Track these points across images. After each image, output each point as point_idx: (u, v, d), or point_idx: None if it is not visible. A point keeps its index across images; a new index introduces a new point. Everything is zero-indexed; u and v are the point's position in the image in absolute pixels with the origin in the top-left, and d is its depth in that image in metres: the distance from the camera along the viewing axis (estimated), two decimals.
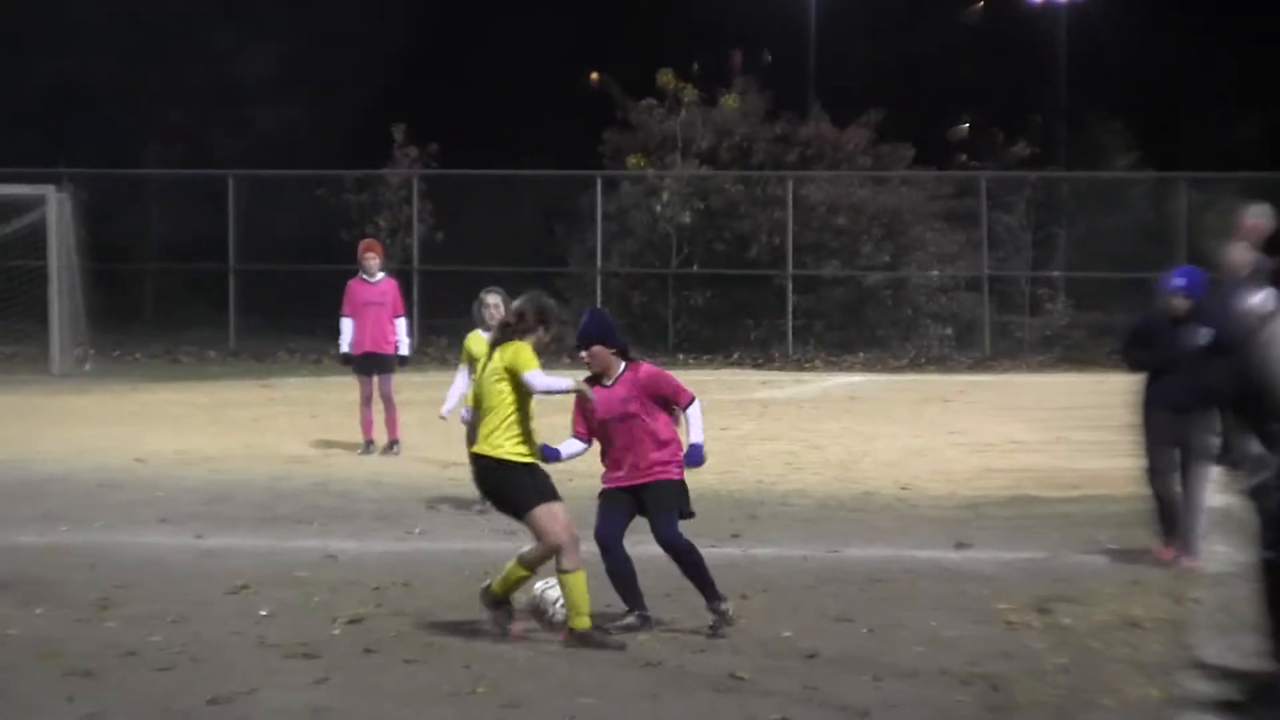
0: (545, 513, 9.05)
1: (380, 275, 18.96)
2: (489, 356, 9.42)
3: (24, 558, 11.51)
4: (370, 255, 19.08)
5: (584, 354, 9.48)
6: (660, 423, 9.39)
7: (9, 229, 30.47)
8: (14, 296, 30.39)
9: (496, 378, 9.20)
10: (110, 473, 16.00)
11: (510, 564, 9.37)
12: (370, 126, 35.22)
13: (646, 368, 9.58)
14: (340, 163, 34.66)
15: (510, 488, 9.25)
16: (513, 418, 9.17)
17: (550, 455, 9.34)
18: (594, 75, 38.15)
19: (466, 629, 9.62)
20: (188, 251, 35.20)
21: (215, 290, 33.90)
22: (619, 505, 9.42)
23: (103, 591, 10.25)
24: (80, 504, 14.08)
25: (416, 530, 13.33)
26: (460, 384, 13.45)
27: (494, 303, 14.20)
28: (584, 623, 9.07)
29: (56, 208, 29.97)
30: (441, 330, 31.70)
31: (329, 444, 18.42)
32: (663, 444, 9.40)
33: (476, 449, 9.39)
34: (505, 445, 9.20)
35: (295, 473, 16.32)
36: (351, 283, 18.72)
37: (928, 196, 33.78)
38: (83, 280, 29.56)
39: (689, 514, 9.54)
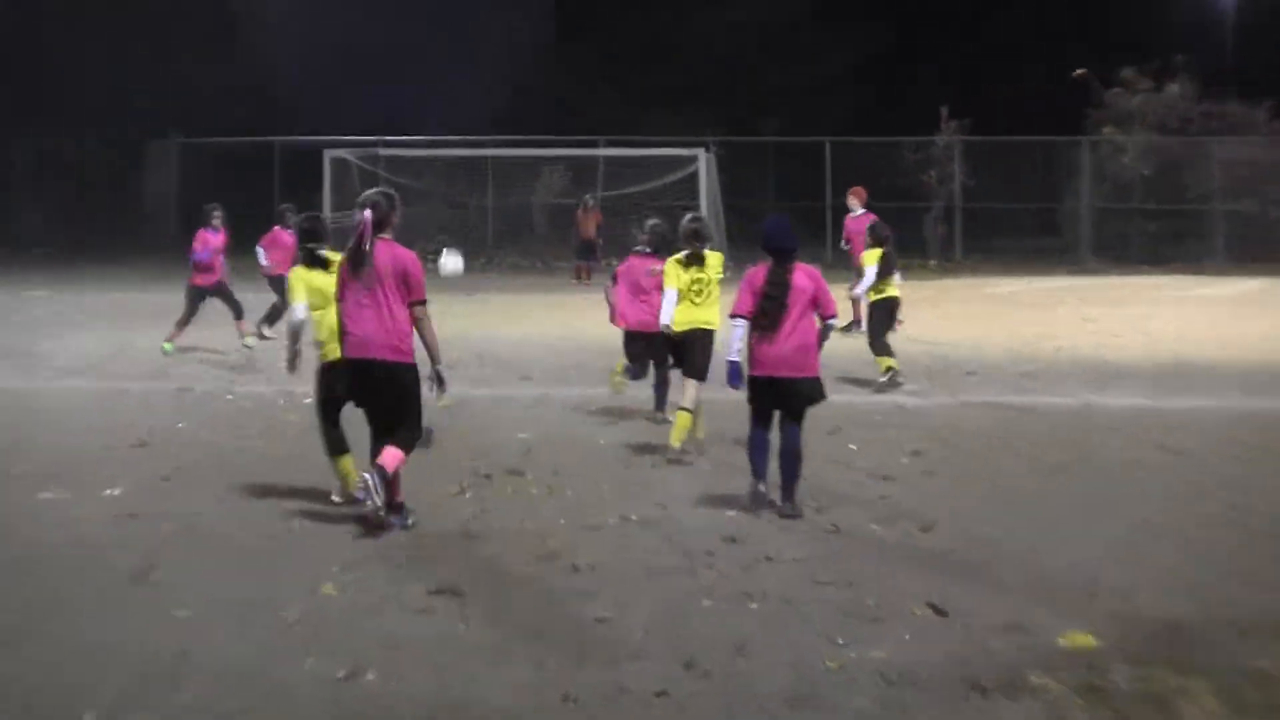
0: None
1: (860, 212, 21.35)
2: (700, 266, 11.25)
3: None
4: (853, 198, 21.70)
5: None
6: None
7: (675, 176, 38.13)
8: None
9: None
10: None
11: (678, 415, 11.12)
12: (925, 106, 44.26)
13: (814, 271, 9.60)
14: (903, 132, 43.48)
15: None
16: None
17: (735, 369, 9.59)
18: (1080, 72, 43.71)
19: (993, 460, 10.98)
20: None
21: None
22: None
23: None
24: None
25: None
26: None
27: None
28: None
29: (704, 164, 37.43)
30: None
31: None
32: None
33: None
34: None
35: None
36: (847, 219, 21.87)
37: None
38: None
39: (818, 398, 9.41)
